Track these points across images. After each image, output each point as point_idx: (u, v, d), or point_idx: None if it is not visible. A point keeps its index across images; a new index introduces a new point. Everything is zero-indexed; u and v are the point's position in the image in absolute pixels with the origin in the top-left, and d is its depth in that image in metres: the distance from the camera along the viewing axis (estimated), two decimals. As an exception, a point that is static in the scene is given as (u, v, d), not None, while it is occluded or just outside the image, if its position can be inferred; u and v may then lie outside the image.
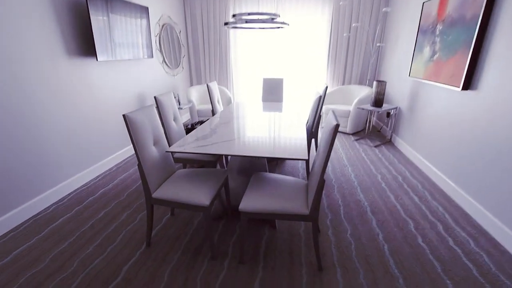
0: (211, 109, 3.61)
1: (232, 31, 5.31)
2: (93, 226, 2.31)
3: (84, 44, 2.98)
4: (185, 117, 5.57)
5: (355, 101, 4.58)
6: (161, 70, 4.56)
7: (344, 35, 4.98)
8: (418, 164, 3.47)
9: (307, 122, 3.17)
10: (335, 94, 5.17)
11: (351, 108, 4.70)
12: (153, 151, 1.98)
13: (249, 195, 1.83)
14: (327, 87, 3.23)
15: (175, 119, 2.77)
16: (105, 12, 3.08)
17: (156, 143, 2.05)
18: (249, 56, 5.51)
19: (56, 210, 2.54)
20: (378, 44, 4.71)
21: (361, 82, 5.41)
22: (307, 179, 2.77)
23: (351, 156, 3.84)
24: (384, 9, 4.34)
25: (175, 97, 4.30)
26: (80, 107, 2.96)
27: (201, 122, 3.36)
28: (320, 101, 2.61)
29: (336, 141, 4.44)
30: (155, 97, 2.47)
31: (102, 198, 2.74)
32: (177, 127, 2.77)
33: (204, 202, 1.78)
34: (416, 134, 3.63)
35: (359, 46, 5.13)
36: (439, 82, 3.02)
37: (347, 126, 4.76)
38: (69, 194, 2.81)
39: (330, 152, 1.57)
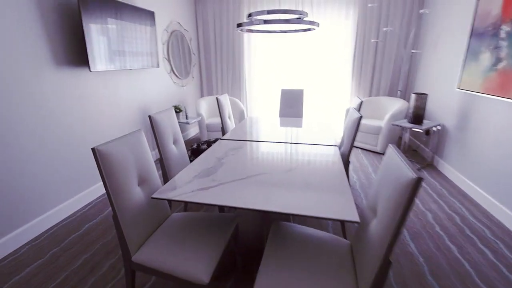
0: (220, 129, 3.06)
1: (246, 37, 4.79)
2: (66, 280, 1.76)
3: (75, 52, 2.50)
4: (193, 131, 5.05)
5: (388, 115, 3.92)
6: (168, 80, 4.07)
7: (372, 40, 4.36)
8: (476, 198, 2.76)
9: (340, 146, 2.55)
10: (362, 107, 4.51)
11: (382, 123, 4.04)
12: (136, 195, 1.41)
13: (266, 271, 1.23)
14: (362, 102, 2.61)
15: (175, 142, 2.22)
16: (102, 17, 2.61)
17: (142, 182, 1.49)
18: (265, 65, 4.96)
19: (28, 252, 2.02)
20: (412, 51, 4.05)
21: (390, 94, 4.74)
22: (344, 234, 2.13)
23: (386, 182, 3.17)
24: (421, 11, 3.70)
25: (181, 111, 3.79)
26: (69, 125, 2.47)
27: (208, 143, 2.80)
28: (359, 122, 2.00)
29: (366, 162, 3.78)
30: (149, 116, 1.93)
31: (84, 237, 2.20)
32: (177, 151, 2.22)
33: (201, 279, 1.19)
34: (468, 158, 2.93)
35: (389, 53, 4.48)
36: (507, 97, 2.34)
37: (377, 144, 4.09)
38: (48, 230, 2.30)
39: (406, 214, 0.96)
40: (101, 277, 1.79)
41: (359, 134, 4.29)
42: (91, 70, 2.51)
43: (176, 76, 4.25)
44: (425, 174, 3.42)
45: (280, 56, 4.87)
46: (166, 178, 2.05)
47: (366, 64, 4.59)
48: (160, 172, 3.31)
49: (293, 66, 4.88)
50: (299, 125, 3.05)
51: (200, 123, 4.11)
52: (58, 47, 2.34)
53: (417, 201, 2.81)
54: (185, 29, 4.44)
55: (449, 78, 3.42)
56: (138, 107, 3.42)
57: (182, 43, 4.40)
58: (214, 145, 2.14)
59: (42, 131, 2.25)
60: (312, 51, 4.76)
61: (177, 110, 3.74)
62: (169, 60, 4.03)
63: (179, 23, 4.27)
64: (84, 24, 2.40)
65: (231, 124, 3.28)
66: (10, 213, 2.03)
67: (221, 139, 2.57)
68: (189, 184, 1.46)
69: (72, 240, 2.17)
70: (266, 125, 3.00)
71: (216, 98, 3.01)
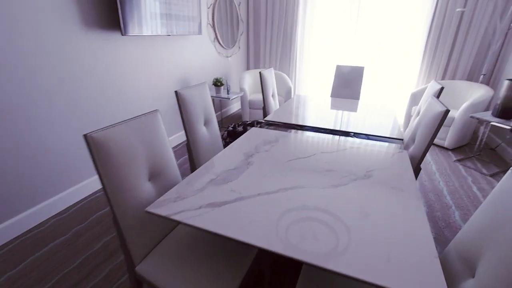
0: (263, 105, 2.68)
1: (302, 4, 4.17)
2: (83, 264, 1.65)
3: (106, 13, 2.26)
4: (235, 107, 4.74)
5: (465, 104, 3.17)
6: (211, 49, 3.74)
7: (457, 10, 3.47)
8: None
9: (405, 144, 2.00)
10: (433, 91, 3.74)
11: (456, 113, 3.30)
12: (143, 193, 1.15)
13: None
14: (442, 88, 2.01)
15: (206, 123, 1.92)
16: (139, -29, 2.30)
17: (154, 176, 1.23)
18: (320, 37, 4.33)
19: (52, 226, 1.97)
20: (513, 25, 3.12)
21: (470, 78, 3.86)
22: None
23: (455, 189, 2.58)
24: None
25: (223, 84, 3.47)
26: (101, 93, 2.31)
27: (245, 126, 2.46)
28: (443, 118, 1.48)
29: (429, 158, 3.16)
30: (176, 92, 1.64)
31: (107, 217, 2.08)
32: (208, 134, 1.93)
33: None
34: None
35: (476, 26, 3.56)
36: None
37: (445, 138, 3.39)
38: (76, 204, 2.24)
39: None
40: (118, 265, 1.65)
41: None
42: (123, 34, 2.27)
43: (221, 45, 3.90)
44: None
45: (339, 27, 4.20)
46: (193, 166, 1.78)
47: (444, 39, 3.73)
48: (185, 157, 3.09)
49: (352, 40, 4.18)
50: (354, 109, 2.55)
51: (242, 99, 3.78)
52: (87, 7, 2.11)
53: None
54: (233, -7, 3.98)
55: None
56: (177, 79, 3.18)
57: (230, 7, 3.97)
58: (247, 134, 1.78)
59: (71, 100, 2.11)
60: (378, 21, 4.00)
61: (218, 83, 3.43)
62: (213, 27, 3.66)
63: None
64: (120, -18, 2.12)
65: (274, 103, 2.89)
66: (39, 185, 1.97)
67: (258, 121, 2.22)
68: (199, 194, 1.11)
69: (95, 219, 2.07)
70: (315, 108, 2.55)
71: (260, 72, 2.61)
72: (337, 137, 1.80)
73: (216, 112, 4.08)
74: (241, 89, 3.79)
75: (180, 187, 1.16)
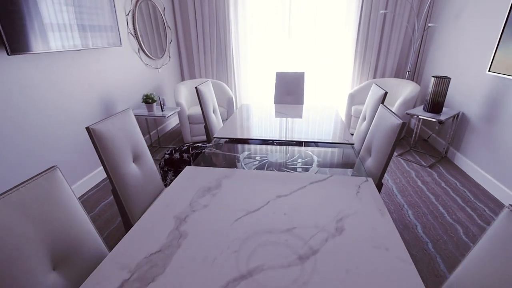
0: (204, 123, 2.38)
1: (232, 5, 3.94)
2: None
3: (-15, 26, 1.70)
4: (173, 122, 4.29)
5: (399, 101, 3.32)
6: (137, 61, 3.26)
7: (381, 11, 3.64)
8: (498, 195, 2.28)
9: (359, 153, 1.90)
10: (365, 90, 3.88)
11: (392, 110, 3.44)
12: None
13: None
14: (386, 93, 1.98)
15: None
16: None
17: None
18: (256, 41, 4.17)
19: None
20: (429, 25, 3.38)
21: (397, 75, 4.12)
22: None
23: (403, 186, 2.64)
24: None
25: (154, 101, 3.03)
26: (-15, 132, 1.74)
27: (181, 152, 2.11)
28: (401, 129, 1.39)
29: (373, 157, 3.23)
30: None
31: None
32: (141, 171, 1.56)
33: None
34: (493, 152, 2.42)
35: (398, 26, 3.79)
36: None
37: (385, 134, 3.52)
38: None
39: None
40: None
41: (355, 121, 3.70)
42: (9, 53, 1.74)
43: (147, 56, 3.44)
44: (441, 170, 2.91)
45: (273, 31, 4.09)
46: (126, 218, 1.39)
47: (372, 40, 3.89)
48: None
49: (288, 44, 4.12)
50: (300, 115, 2.41)
51: (180, 115, 3.39)
52: None
53: (438, 205, 2.31)
54: (156, -3, 3.55)
55: (475, 58, 2.80)
56: (97, 101, 2.66)
57: (154, 13, 3.54)
58: (180, 177, 1.33)
59: None
60: (310, 24, 4.00)
61: (149, 100, 2.99)
62: (136, 36, 3.20)
63: (148, -12, 3.38)
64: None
65: (216, 120, 2.60)
66: None
67: (196, 145, 1.92)
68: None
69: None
70: (262, 118, 2.34)
71: (196, 88, 2.30)
72: (288, 174, 1.59)
73: (151, 131, 3.60)
74: (178, 104, 3.39)
75: None
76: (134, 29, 3.17)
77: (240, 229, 0.95)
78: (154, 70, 3.63)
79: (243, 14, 3.99)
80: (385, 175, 2.84)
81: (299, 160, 1.73)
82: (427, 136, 3.68)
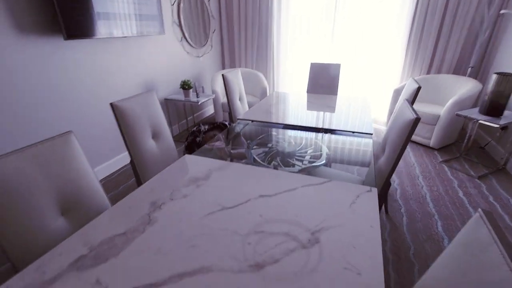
0: (228, 109, 2.45)
1: (277, -3, 3.90)
2: None
3: (45, 15, 1.99)
4: (210, 110, 4.45)
5: (451, 101, 2.93)
6: (179, 50, 3.46)
7: (442, -1, 3.21)
8: None
9: (376, 151, 1.77)
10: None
11: (441, 111, 3.06)
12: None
13: None
14: (419, 88, 1.78)
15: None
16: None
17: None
18: (297, 33, 4.07)
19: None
20: (502, 12, 2.87)
21: (457, 72, 3.62)
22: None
23: (439, 195, 2.36)
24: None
25: (191, 87, 3.20)
26: (34, 107, 2.05)
27: (206, 132, 2.20)
28: (413, 126, 1.24)
29: (413, 160, 2.93)
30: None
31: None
32: (158, 148, 1.69)
33: None
34: None
35: (462, 15, 3.31)
36: None
37: (431, 137, 3.16)
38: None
39: None
40: None
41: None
42: (65, 38, 2.01)
43: (190, 44, 3.62)
44: (493, 182, 2.50)
45: (316, 22, 3.93)
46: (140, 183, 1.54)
47: (429, 31, 3.48)
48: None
49: (331, 35, 3.92)
50: (329, 104, 2.30)
51: (214, 102, 3.51)
52: (20, 10, 1.84)
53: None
54: (202, -13, 3.70)
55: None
56: (139, 84, 2.91)
57: (199, 3, 3.69)
58: (175, 164, 1.35)
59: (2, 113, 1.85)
60: (358, 13, 3.74)
61: (186, 86, 3.16)
62: (180, 25, 3.39)
63: (195, -21, 3.53)
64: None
65: (242, 107, 2.64)
66: None
67: (221, 123, 1.98)
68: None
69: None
70: (290, 105, 2.31)
71: (222, 75, 2.36)
72: (284, 173, 1.55)
73: (188, 116, 3.81)
74: (213, 91, 3.52)
75: (28, 273, 0.77)
76: (179, 18, 3.35)
77: (207, 224, 0.95)
78: (196, 58, 3.81)
79: (286, 5, 3.91)
80: (420, 180, 2.56)
81: (309, 151, 1.67)
82: (485, 144, 3.18)
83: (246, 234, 0.91)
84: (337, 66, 2.87)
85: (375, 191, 1.14)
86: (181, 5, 3.33)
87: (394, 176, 2.63)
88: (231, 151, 1.73)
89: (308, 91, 3.02)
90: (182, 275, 0.76)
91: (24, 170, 0.94)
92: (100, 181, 2.60)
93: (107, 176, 2.68)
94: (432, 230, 1.97)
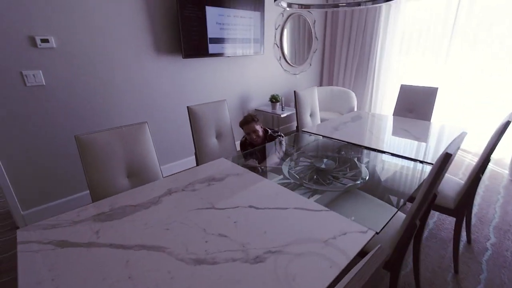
0: (296, 123, 2.48)
1: (384, 15, 3.57)
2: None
3: (171, 39, 2.61)
4: (294, 126, 4.41)
5: None
6: (277, 67, 3.70)
7: None
8: None
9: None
10: None
11: None
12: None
13: None
14: (508, 123, 1.31)
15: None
16: (199, 4, 2.56)
17: (132, 175, 1.47)
18: (405, 52, 3.58)
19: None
20: None
21: None
22: None
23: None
24: None
25: (278, 101, 3.36)
26: (163, 108, 2.69)
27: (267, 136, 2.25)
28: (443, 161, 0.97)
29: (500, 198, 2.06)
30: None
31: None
32: (219, 145, 2.05)
33: None
34: None
35: None
36: None
37: None
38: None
39: None
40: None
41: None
42: (183, 57, 2.57)
43: (288, 63, 3.80)
44: None
45: (427, 38, 3.35)
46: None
47: None
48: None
49: (447, 54, 3.24)
50: (413, 129, 1.97)
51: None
52: (159, 37, 2.50)
53: None
54: (308, 11, 3.81)
55: None
56: (238, 95, 3.31)
57: (303, 26, 3.83)
58: (209, 164, 1.53)
59: (142, 112, 2.54)
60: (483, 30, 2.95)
61: (273, 100, 3.36)
62: (280, 46, 3.63)
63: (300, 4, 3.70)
64: (179, 13, 2.43)
65: (312, 122, 2.59)
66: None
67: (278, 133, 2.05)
68: (71, 227, 1.03)
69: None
70: (360, 125, 2.14)
71: (294, 92, 2.42)
72: (287, 192, 1.44)
73: (274, 127, 3.98)
74: (301, 107, 3.56)
75: (67, 214, 1.10)
76: (281, 40, 3.60)
77: (188, 216, 1.07)
78: (292, 75, 3.96)
79: (393, 22, 3.52)
80: (539, 251, 1.78)
81: (347, 173, 1.52)
82: None
83: (210, 233, 0.98)
84: (433, 90, 2.38)
85: (369, 234, 0.96)
86: (285, 29, 3.57)
87: (490, 233, 1.95)
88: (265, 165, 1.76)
89: (394, 114, 2.64)
90: (143, 246, 0.92)
91: (110, 142, 1.36)
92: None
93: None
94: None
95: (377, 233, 0.98)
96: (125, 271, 0.82)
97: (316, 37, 4.08)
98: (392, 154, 1.73)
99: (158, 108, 2.69)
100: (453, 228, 1.65)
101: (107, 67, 2.26)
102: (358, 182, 1.43)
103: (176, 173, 1.46)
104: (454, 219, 1.61)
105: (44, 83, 1.96)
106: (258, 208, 1.13)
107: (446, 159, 0.96)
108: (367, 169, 1.57)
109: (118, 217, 1.08)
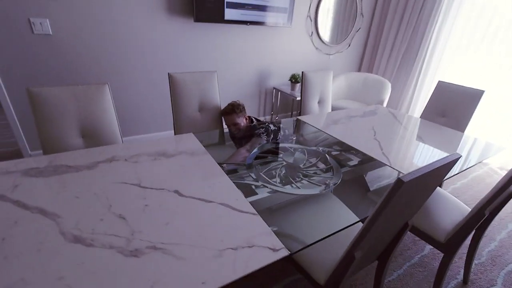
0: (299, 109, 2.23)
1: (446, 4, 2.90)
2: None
3: (185, 1, 2.46)
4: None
5: None
6: (307, 44, 3.34)
7: None
8: None
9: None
10: None
11: None
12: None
13: None
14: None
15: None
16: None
17: (86, 135, 1.45)
18: (467, 43, 2.91)
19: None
20: None
21: None
22: None
23: None
24: None
25: (298, 82, 3.05)
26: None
27: (267, 128, 2.07)
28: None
29: None
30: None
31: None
32: (317, 110, 2.21)
33: None
34: None
35: None
36: None
37: None
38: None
39: None
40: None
41: None
42: (195, 20, 2.43)
43: (321, 40, 3.40)
44: None
45: (492, 36, 2.65)
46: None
47: None
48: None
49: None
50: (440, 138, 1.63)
51: (322, 102, 3.21)
52: None
53: None
54: (356, -19, 3.28)
55: None
56: (254, 69, 3.10)
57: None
58: (174, 137, 1.51)
59: (149, 78, 2.52)
60: None
61: (293, 79, 3.06)
62: (315, 20, 3.23)
63: (350, -27, 3.18)
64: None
65: (318, 110, 2.31)
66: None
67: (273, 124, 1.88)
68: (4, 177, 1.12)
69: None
70: (371, 122, 1.84)
71: (302, 72, 2.15)
72: (228, 184, 1.24)
73: (293, 111, 3.67)
74: (325, 91, 3.21)
75: (33, 160, 1.15)
76: (316, 13, 3.20)
77: (108, 186, 1.02)
78: (324, 55, 3.55)
79: (458, 4, 2.84)
80: None
81: (318, 170, 1.32)
82: None
83: (112, 212, 0.90)
84: (478, 93, 1.89)
85: (282, 253, 0.79)
86: (323, 0, 3.14)
87: (498, 278, 1.57)
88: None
89: (422, 116, 2.20)
90: (41, 210, 0.88)
91: (62, 99, 1.32)
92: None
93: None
94: None
95: (290, 254, 0.80)
96: (6, 231, 0.80)
97: (362, 13, 3.54)
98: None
99: (159, 71, 2.62)
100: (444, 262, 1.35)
101: (113, 22, 2.22)
102: (323, 187, 1.21)
103: (136, 140, 1.41)
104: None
105: (51, 33, 2.01)
106: (182, 195, 1.02)
107: (397, 186, 0.71)
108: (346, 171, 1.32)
109: (46, 175, 1.07)
